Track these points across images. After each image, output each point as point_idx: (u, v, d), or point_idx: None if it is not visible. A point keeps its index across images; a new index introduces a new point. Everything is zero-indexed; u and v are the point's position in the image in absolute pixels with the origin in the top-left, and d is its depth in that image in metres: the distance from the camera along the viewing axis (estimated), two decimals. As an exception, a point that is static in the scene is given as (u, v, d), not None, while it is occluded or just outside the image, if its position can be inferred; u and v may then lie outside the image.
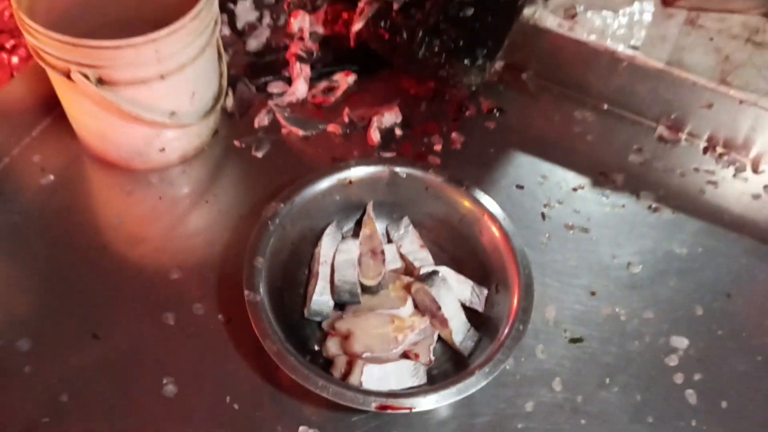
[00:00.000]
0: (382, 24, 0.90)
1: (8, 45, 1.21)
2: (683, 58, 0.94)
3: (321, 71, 1.01)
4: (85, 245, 0.83)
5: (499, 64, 1.03)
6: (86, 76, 0.74)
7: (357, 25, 0.91)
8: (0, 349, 0.75)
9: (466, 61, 0.87)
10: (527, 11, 0.96)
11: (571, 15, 0.97)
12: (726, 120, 0.94)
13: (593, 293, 0.84)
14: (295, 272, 0.80)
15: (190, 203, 0.89)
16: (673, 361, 0.80)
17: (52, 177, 0.88)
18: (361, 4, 0.91)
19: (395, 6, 0.90)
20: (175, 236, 0.86)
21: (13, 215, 0.85)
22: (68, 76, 0.75)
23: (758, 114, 0.91)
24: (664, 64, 0.93)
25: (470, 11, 0.89)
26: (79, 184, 0.89)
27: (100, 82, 0.75)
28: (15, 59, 1.21)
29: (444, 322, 0.75)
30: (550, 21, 0.97)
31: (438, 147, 0.95)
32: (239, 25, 1.06)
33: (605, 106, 1.01)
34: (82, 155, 0.91)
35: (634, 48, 0.94)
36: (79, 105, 0.82)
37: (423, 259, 0.82)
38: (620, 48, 0.94)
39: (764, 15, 0.97)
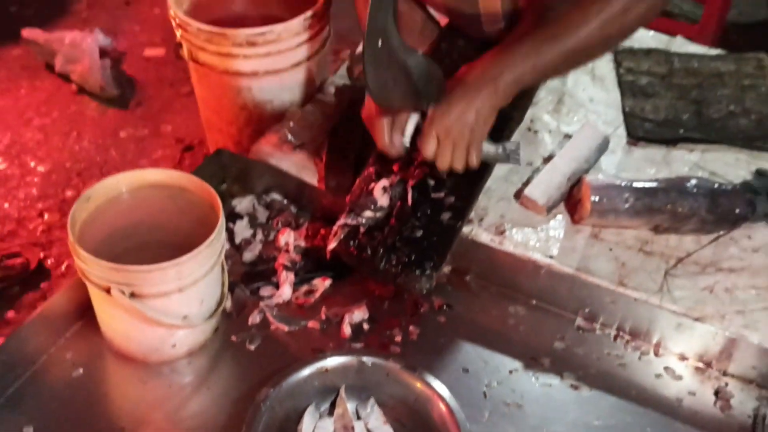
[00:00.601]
0: (352, 243, 1.15)
1: (41, 255, 1.45)
2: (589, 265, 1.19)
3: (303, 277, 1.24)
4: (107, 427, 1.01)
5: (447, 269, 1.27)
6: (122, 292, 0.96)
7: (332, 245, 1.16)
8: None
9: (417, 272, 1.11)
10: (466, 229, 1.22)
11: (500, 232, 1.23)
12: (628, 314, 1.17)
13: (527, 460, 1.02)
14: (281, 446, 0.98)
15: (194, 389, 1.07)
16: None
17: (81, 370, 1.07)
18: (335, 228, 1.17)
19: (361, 230, 1.15)
20: (181, 418, 1.04)
21: (49, 403, 1.03)
22: (108, 291, 0.97)
23: (652, 309, 1.15)
24: (574, 270, 1.18)
25: (419, 233, 1.15)
26: (104, 376, 1.08)
27: (132, 295, 0.98)
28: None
29: (403, 486, 0.92)
30: (484, 237, 1.23)
31: (398, 338, 1.16)
32: (237, 240, 1.30)
33: (533, 302, 1.24)
34: (106, 351, 1.10)
35: (551, 257, 1.20)
36: (111, 312, 1.04)
37: (386, 433, 1.00)
38: (539, 257, 1.20)
39: (652, 230, 1.25)
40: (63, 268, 1.45)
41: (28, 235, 1.57)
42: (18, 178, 1.72)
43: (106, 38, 1.99)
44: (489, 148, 1.17)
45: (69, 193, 1.68)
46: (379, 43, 0.98)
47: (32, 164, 1.77)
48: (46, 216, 1.62)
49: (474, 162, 1.13)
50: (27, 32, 1.93)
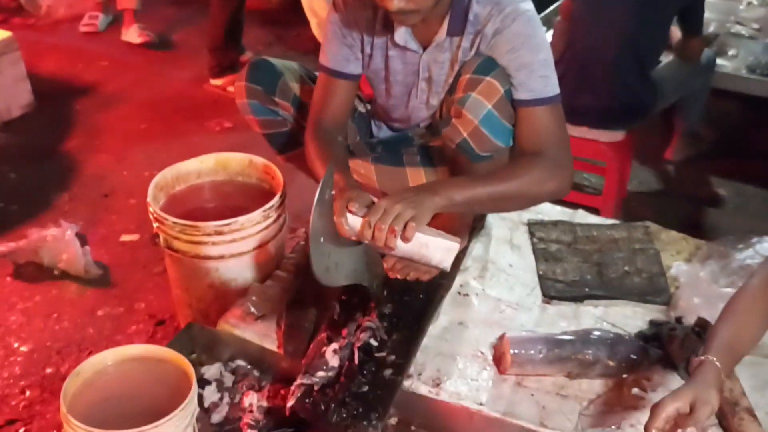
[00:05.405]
0: (307, 400, 1.33)
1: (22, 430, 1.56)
2: (514, 410, 1.38)
3: (266, 434, 1.40)
4: None
5: (393, 420, 1.44)
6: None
7: (290, 402, 1.33)
8: None
9: (364, 422, 1.29)
10: (406, 383, 1.41)
11: (436, 384, 1.43)
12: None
13: None
14: None
15: None
16: None
17: None
18: (292, 388, 1.35)
19: (316, 388, 1.34)
20: None
21: None
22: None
23: (570, 448, 1.33)
24: (501, 415, 1.37)
25: (365, 388, 1.34)
26: None
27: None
28: None
29: None
30: (423, 389, 1.42)
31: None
32: (206, 404, 1.46)
33: (471, 445, 1.41)
34: None
35: (481, 404, 1.39)
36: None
37: None
38: (471, 405, 1.39)
39: (566, 376, 1.45)
40: (42, 442, 1.57)
41: (11, 411, 1.69)
42: (2, 358, 1.86)
43: (81, 231, 2.26)
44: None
45: (49, 371, 1.82)
46: (321, 239, 1.24)
47: (15, 345, 1.92)
48: (27, 393, 1.75)
49: (408, 234, 1.30)
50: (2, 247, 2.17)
